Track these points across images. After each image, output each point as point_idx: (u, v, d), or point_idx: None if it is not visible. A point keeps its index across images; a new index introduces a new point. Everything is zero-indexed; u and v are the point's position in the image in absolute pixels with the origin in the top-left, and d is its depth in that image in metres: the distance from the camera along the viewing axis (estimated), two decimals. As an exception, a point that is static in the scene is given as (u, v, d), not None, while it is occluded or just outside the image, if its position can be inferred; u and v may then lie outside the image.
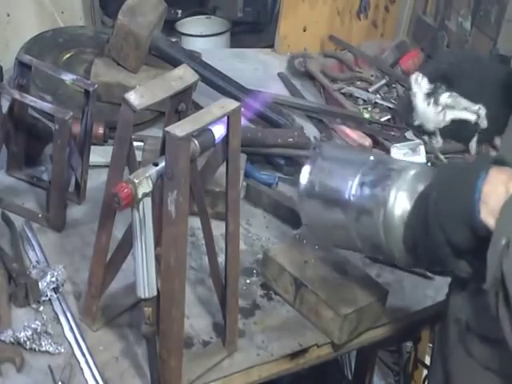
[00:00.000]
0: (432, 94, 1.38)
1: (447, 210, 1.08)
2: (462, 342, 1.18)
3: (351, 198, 1.23)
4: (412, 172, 1.21)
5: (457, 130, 1.36)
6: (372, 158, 1.27)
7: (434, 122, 1.39)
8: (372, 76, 2.38)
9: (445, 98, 1.37)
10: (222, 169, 1.25)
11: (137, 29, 1.93)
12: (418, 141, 1.89)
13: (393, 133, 2.11)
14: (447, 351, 1.25)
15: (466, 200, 1.06)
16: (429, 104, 1.38)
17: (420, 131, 1.40)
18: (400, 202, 1.17)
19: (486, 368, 1.14)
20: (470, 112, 1.36)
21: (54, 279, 1.44)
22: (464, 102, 1.34)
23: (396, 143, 1.92)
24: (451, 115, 1.39)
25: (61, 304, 1.43)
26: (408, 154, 1.79)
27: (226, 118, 1.18)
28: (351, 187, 1.23)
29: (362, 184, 1.22)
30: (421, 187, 1.16)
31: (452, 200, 1.08)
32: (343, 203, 1.23)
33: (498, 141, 1.39)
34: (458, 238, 1.08)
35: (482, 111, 1.26)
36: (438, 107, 1.38)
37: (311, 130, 2.07)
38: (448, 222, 1.08)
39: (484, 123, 1.28)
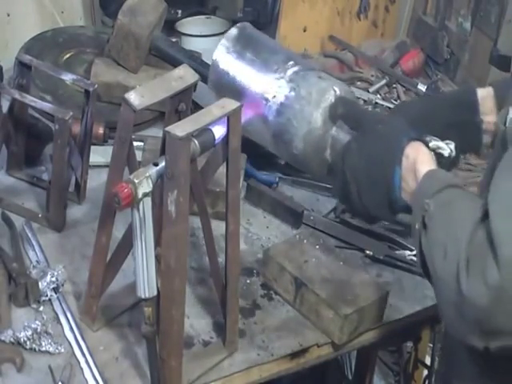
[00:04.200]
0: None
1: (367, 191, 1.22)
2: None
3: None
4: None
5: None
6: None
7: None
8: (372, 76, 2.38)
9: None
10: (222, 169, 1.25)
11: (137, 29, 1.93)
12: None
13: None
14: (448, 351, 1.25)
15: (386, 182, 1.18)
16: None
17: None
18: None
19: (485, 368, 1.14)
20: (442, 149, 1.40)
21: (53, 279, 1.44)
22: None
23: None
24: None
25: (61, 304, 1.43)
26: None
27: (226, 118, 1.18)
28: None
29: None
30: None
31: (372, 183, 1.20)
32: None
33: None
34: (375, 211, 1.23)
35: (451, 144, 1.31)
36: None
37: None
38: (368, 200, 1.22)
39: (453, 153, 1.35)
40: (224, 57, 1.59)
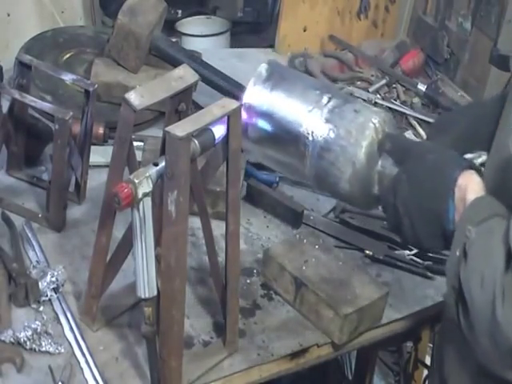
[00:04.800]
0: None
1: (421, 224, 1.18)
2: (460, 343, 1.18)
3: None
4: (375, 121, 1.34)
5: None
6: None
7: None
8: (372, 76, 2.38)
9: None
10: (223, 168, 1.25)
11: (137, 29, 1.93)
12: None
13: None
14: (445, 352, 1.25)
15: (439, 215, 1.15)
16: None
17: None
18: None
19: (482, 369, 1.14)
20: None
21: (54, 279, 1.44)
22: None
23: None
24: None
25: (61, 304, 1.43)
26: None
27: (226, 118, 1.18)
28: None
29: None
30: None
31: (424, 213, 1.17)
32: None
33: None
34: (428, 244, 1.20)
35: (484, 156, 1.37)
36: None
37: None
38: (422, 232, 1.18)
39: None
40: (257, 97, 1.42)
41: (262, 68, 1.42)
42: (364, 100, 2.23)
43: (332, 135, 1.35)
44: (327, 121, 1.36)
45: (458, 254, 1.06)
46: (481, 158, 1.64)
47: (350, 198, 1.38)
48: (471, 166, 1.18)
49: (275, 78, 1.42)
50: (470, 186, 1.14)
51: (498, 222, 1.06)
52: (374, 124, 1.34)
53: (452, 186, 1.14)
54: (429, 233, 1.18)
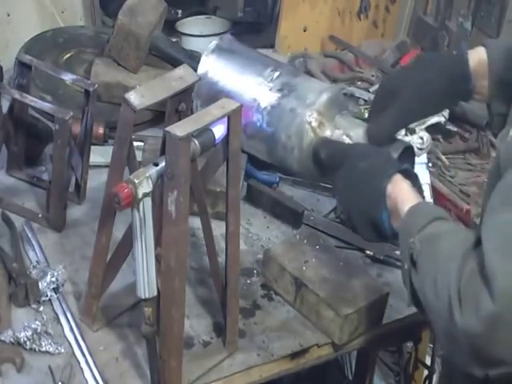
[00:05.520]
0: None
1: (360, 227, 1.25)
2: None
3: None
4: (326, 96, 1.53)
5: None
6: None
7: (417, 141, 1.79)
8: (373, 76, 2.37)
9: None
10: (223, 168, 1.25)
11: (137, 29, 1.93)
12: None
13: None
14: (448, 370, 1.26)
15: (375, 223, 1.21)
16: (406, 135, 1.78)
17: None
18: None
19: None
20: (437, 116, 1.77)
21: (54, 279, 1.44)
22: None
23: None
24: (424, 126, 1.82)
25: (61, 304, 1.43)
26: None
27: (226, 118, 1.18)
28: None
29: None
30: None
31: (360, 210, 1.23)
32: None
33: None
34: (365, 236, 1.26)
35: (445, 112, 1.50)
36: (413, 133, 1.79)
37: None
38: (362, 232, 1.25)
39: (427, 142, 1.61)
40: (212, 66, 1.64)
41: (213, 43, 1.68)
42: (365, 100, 2.24)
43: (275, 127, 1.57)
44: (268, 123, 1.58)
45: (406, 267, 1.10)
46: (425, 124, 1.75)
47: (300, 175, 1.61)
48: (400, 169, 1.22)
49: (224, 52, 1.65)
50: (400, 198, 1.18)
51: (440, 226, 1.09)
52: (310, 123, 1.50)
53: (383, 197, 1.19)
54: (369, 234, 1.25)
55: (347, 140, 1.49)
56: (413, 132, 1.81)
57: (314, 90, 1.58)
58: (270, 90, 1.59)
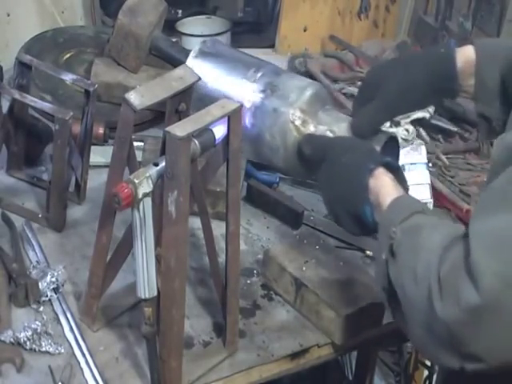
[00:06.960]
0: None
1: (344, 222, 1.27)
2: None
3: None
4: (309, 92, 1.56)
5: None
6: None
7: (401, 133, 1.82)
8: (373, 76, 2.37)
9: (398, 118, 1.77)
10: (223, 168, 1.25)
11: (137, 29, 1.93)
12: (420, 140, 1.89)
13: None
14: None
15: (358, 217, 1.22)
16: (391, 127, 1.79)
17: None
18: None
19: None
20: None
21: (54, 279, 1.44)
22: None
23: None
24: (408, 120, 1.85)
25: (61, 304, 1.43)
26: (409, 153, 1.79)
27: (226, 118, 1.18)
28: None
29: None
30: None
31: (343, 203, 1.24)
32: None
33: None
34: (348, 229, 1.29)
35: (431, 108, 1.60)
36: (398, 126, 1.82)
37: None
38: (345, 226, 1.28)
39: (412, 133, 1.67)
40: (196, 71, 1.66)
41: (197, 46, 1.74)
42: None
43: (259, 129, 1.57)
44: (253, 124, 1.59)
45: (384, 257, 1.09)
46: (409, 119, 1.78)
47: (287, 174, 1.66)
48: (382, 162, 1.22)
49: (208, 56, 1.69)
50: (382, 191, 1.18)
51: (422, 219, 1.09)
52: (293, 122, 1.52)
53: (365, 192, 1.19)
54: (350, 226, 1.27)
55: (331, 135, 1.49)
56: (398, 124, 1.82)
57: (296, 87, 1.58)
58: (254, 91, 1.60)
